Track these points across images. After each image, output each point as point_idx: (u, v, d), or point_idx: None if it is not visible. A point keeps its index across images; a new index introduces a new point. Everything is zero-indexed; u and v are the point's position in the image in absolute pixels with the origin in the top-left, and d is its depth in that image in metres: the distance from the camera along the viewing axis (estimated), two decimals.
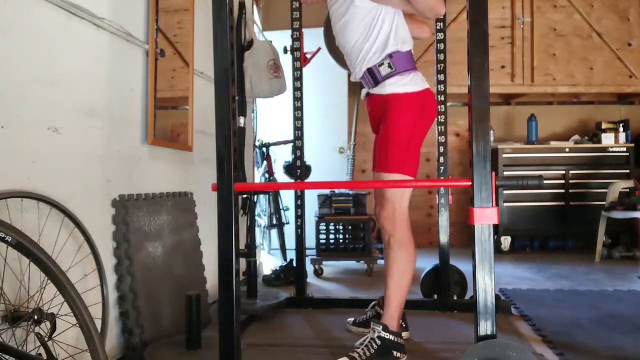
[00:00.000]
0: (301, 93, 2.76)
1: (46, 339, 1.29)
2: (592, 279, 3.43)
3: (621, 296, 2.90)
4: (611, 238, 4.37)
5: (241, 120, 2.39)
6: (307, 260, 3.29)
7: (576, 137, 4.92)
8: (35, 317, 1.30)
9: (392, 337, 1.88)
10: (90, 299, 1.52)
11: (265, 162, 4.35)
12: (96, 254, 1.69)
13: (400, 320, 2.17)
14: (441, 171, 2.66)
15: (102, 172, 1.84)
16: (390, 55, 1.93)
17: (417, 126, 1.95)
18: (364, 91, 2.09)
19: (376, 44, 1.95)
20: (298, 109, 2.76)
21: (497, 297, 2.45)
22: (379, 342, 1.86)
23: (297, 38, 2.73)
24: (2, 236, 1.11)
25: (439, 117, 2.65)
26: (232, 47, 1.52)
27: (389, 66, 1.93)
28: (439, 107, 2.65)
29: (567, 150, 4.67)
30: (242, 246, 2.58)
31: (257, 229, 3.63)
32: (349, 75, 2.19)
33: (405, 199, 1.98)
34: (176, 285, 2.14)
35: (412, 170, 1.96)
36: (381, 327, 1.88)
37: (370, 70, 1.97)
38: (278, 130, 4.28)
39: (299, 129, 2.77)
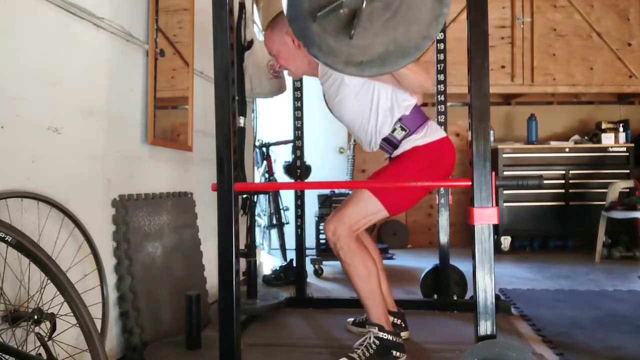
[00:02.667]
0: (301, 93, 2.77)
1: (46, 339, 1.29)
2: (592, 279, 3.43)
3: (621, 296, 2.90)
4: (611, 238, 4.37)
5: (241, 120, 2.39)
6: (307, 260, 3.29)
7: (576, 137, 4.92)
8: (35, 317, 1.30)
9: (390, 337, 1.87)
10: (90, 299, 1.52)
11: (265, 162, 4.35)
12: (96, 254, 1.69)
13: (398, 320, 2.18)
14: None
15: (102, 172, 1.84)
16: (400, 119, 1.96)
17: (424, 172, 1.93)
18: (385, 155, 2.11)
19: (380, 118, 1.96)
20: (298, 109, 2.76)
21: (497, 297, 2.45)
22: (377, 342, 1.86)
23: None
24: (2, 236, 1.11)
25: (439, 117, 2.65)
26: (232, 47, 1.52)
27: (402, 129, 1.97)
28: (439, 107, 2.65)
29: (567, 150, 4.67)
30: (242, 246, 2.58)
31: (257, 229, 3.63)
32: None
33: (361, 222, 1.94)
34: (176, 285, 2.14)
35: (390, 202, 1.92)
36: (377, 327, 1.88)
37: (386, 139, 1.99)
38: (278, 130, 4.28)
39: (299, 129, 2.77)
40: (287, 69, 2.10)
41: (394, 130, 1.97)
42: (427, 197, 2.17)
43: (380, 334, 1.87)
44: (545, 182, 1.72)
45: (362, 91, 1.95)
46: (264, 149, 4.32)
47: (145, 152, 2.15)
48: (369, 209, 1.92)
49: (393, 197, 1.93)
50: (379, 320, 1.89)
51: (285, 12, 1.39)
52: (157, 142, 2.18)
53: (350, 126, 2.08)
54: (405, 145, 1.97)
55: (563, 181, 4.63)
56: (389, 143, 2.00)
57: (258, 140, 4.13)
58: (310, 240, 3.38)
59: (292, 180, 3.40)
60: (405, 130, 1.96)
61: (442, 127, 2.64)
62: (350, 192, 3.89)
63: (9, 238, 1.12)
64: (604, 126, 4.81)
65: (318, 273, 3.70)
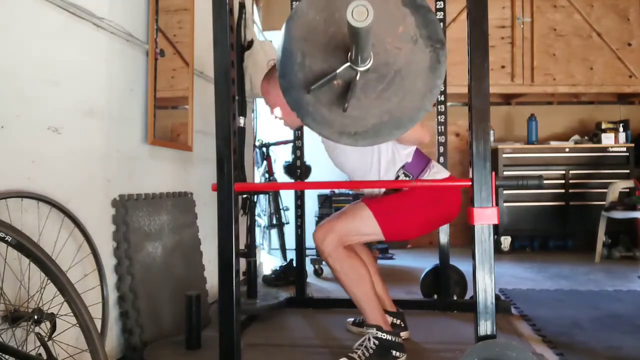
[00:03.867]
0: None
1: (46, 339, 1.29)
2: (592, 279, 3.43)
3: (621, 296, 2.90)
4: (611, 238, 4.37)
5: (241, 120, 2.39)
6: (307, 260, 3.29)
7: (576, 137, 4.92)
8: (35, 317, 1.30)
9: (389, 337, 1.87)
10: (90, 299, 1.52)
11: (265, 162, 4.35)
12: (96, 254, 1.69)
13: (398, 320, 2.18)
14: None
15: (102, 172, 1.84)
16: (402, 167, 1.97)
17: (428, 208, 1.93)
18: None
19: (383, 169, 1.97)
20: None
21: (497, 297, 2.46)
22: (376, 342, 1.86)
23: None
24: (2, 236, 1.11)
25: (439, 117, 2.64)
26: (232, 47, 1.52)
27: (405, 175, 1.98)
28: (439, 107, 2.65)
29: (567, 150, 4.67)
30: (242, 246, 2.58)
31: (257, 229, 3.63)
32: None
33: (353, 239, 1.93)
34: (176, 285, 2.14)
35: (389, 227, 1.91)
36: (375, 328, 1.88)
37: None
38: (278, 130, 4.27)
39: (299, 129, 2.77)
40: (283, 120, 2.11)
41: (397, 177, 1.98)
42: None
43: (379, 334, 1.87)
44: (545, 182, 1.72)
45: (362, 148, 1.96)
46: (264, 149, 4.32)
47: (145, 152, 2.15)
48: (364, 228, 1.92)
49: (393, 223, 1.92)
50: (377, 321, 1.89)
51: (280, 80, 1.39)
52: (157, 142, 2.18)
53: (351, 176, 2.09)
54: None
55: (563, 181, 4.63)
56: (393, 190, 2.00)
57: (258, 140, 4.13)
58: (310, 240, 3.37)
59: (292, 180, 3.41)
60: (409, 177, 1.98)
61: (442, 127, 2.65)
62: (350, 192, 3.91)
63: (9, 238, 1.12)
64: (604, 126, 4.81)
65: (318, 273, 3.70)
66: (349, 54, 1.28)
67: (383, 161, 1.97)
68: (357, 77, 1.30)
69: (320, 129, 1.39)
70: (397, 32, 1.35)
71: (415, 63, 1.34)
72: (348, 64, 1.30)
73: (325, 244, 1.88)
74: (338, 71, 1.31)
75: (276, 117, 2.09)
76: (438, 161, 2.66)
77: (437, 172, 2.01)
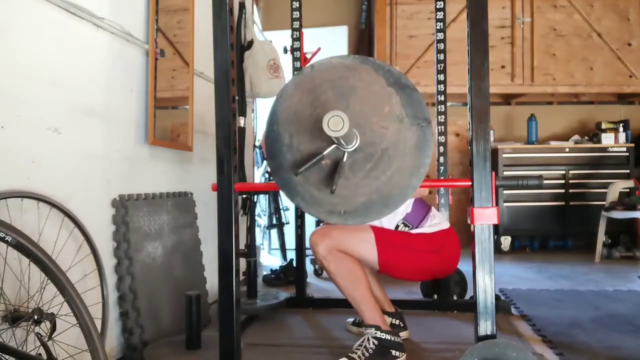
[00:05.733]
0: None
1: (46, 339, 1.29)
2: (592, 279, 3.43)
3: (621, 296, 2.90)
4: (611, 238, 4.37)
5: (241, 120, 2.39)
6: (307, 260, 3.29)
7: (576, 137, 4.92)
8: (35, 317, 1.30)
9: (388, 337, 1.87)
10: (90, 299, 1.52)
11: (265, 162, 4.35)
12: (96, 254, 1.69)
13: (397, 320, 2.18)
14: (441, 171, 2.66)
15: (102, 172, 1.84)
16: (402, 218, 1.98)
17: (428, 255, 1.93)
18: None
19: (384, 221, 1.97)
20: None
21: (497, 297, 2.46)
22: (376, 342, 1.86)
23: (297, 38, 2.73)
24: (2, 236, 1.11)
25: (439, 117, 2.65)
26: (232, 47, 1.52)
27: (405, 225, 1.98)
28: (439, 107, 2.65)
29: (567, 150, 4.67)
30: (242, 246, 2.58)
31: (257, 229, 3.63)
32: None
33: (349, 251, 1.91)
34: (176, 285, 2.14)
35: (386, 258, 1.90)
36: (374, 328, 1.88)
37: None
38: None
39: None
40: None
41: (396, 227, 1.98)
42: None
43: (379, 334, 1.87)
44: (545, 182, 1.73)
45: None
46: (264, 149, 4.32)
47: (145, 152, 2.15)
48: (362, 249, 1.91)
49: (391, 256, 1.92)
50: (375, 321, 1.89)
51: (268, 161, 1.41)
52: (157, 142, 2.18)
53: None
54: None
55: (563, 181, 4.63)
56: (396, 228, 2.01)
57: (258, 140, 4.13)
58: None
59: None
60: (408, 226, 1.98)
61: (442, 127, 2.65)
62: None
63: (9, 238, 1.12)
64: (604, 126, 4.81)
65: (318, 273, 3.69)
66: None
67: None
68: (345, 158, 1.31)
69: (309, 209, 1.40)
70: (383, 112, 1.36)
71: (402, 142, 1.36)
72: (335, 145, 1.31)
73: (320, 247, 1.88)
74: (325, 153, 1.32)
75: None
76: (438, 161, 2.66)
77: (437, 224, 2.01)
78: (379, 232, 1.93)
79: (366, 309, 1.90)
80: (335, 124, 1.16)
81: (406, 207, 1.99)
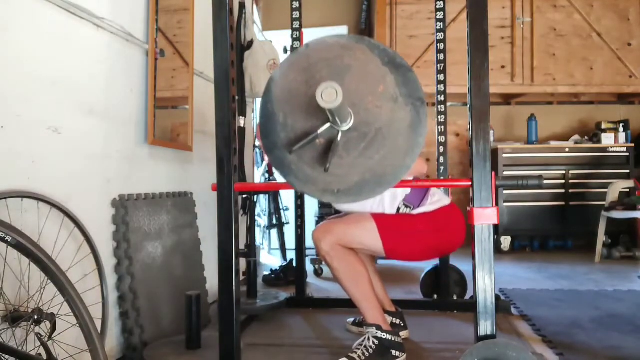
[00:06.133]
0: None
1: (46, 339, 1.29)
2: (592, 279, 3.43)
3: (621, 296, 2.90)
4: (611, 238, 4.37)
5: (241, 120, 2.39)
6: (307, 260, 3.29)
7: (576, 137, 4.92)
8: (35, 317, 1.30)
9: (388, 337, 1.87)
10: (90, 299, 1.52)
11: (265, 162, 4.35)
12: (96, 254, 1.69)
13: (397, 320, 2.18)
14: (441, 171, 2.66)
15: (102, 172, 1.84)
16: (403, 200, 1.97)
17: (432, 234, 1.92)
18: None
19: (387, 205, 1.97)
20: None
21: (497, 297, 2.46)
22: (376, 342, 1.86)
23: (297, 38, 2.73)
24: (2, 236, 1.11)
25: (439, 117, 2.64)
26: (232, 47, 1.52)
27: (406, 206, 1.98)
28: (439, 107, 2.65)
29: (567, 150, 4.67)
30: (242, 246, 2.58)
31: (257, 229, 3.63)
32: None
33: (352, 245, 1.91)
34: (176, 285, 2.14)
35: (391, 244, 1.90)
36: (374, 327, 1.88)
37: None
38: None
39: None
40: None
41: (398, 209, 1.98)
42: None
43: (379, 334, 1.87)
44: (545, 182, 1.73)
45: None
46: None
47: (145, 152, 2.15)
48: (365, 239, 1.91)
49: (396, 241, 1.91)
50: (376, 321, 1.89)
51: (262, 141, 1.40)
52: (157, 142, 2.18)
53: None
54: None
55: (563, 181, 4.63)
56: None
57: (258, 140, 4.13)
58: (310, 240, 3.37)
59: None
60: (410, 207, 1.98)
61: (442, 127, 2.65)
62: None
63: (9, 238, 1.12)
64: (604, 126, 4.81)
65: (318, 273, 3.70)
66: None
67: (388, 193, 1.96)
68: (339, 137, 1.31)
69: (303, 188, 1.40)
70: (377, 91, 1.36)
71: (396, 121, 1.36)
72: (329, 124, 1.31)
73: (323, 243, 1.88)
74: (319, 131, 1.32)
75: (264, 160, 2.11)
76: (438, 161, 2.66)
77: (438, 201, 2.00)
78: (380, 219, 1.93)
79: (368, 308, 1.90)
80: (328, 95, 1.15)
81: (404, 188, 1.98)
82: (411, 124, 1.35)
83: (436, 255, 2.08)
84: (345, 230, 1.90)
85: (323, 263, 3.72)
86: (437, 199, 2.01)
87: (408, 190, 1.98)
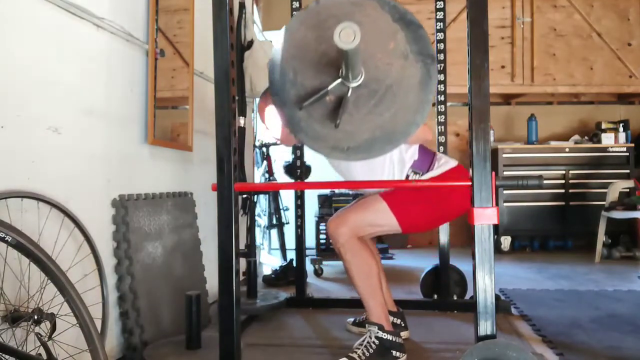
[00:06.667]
0: None
1: (46, 339, 1.29)
2: (592, 279, 3.43)
3: (621, 296, 2.90)
4: (611, 238, 4.37)
5: (241, 120, 2.39)
6: (307, 260, 3.29)
7: (576, 137, 4.92)
8: (35, 317, 1.30)
9: (389, 337, 1.87)
10: (90, 299, 1.52)
11: (265, 162, 4.35)
12: (96, 254, 1.69)
13: (398, 320, 2.18)
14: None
15: (102, 172, 1.84)
16: (410, 167, 1.98)
17: (444, 202, 1.92)
18: None
19: (396, 173, 1.97)
20: None
21: (497, 297, 2.46)
22: (377, 342, 1.86)
23: None
24: (2, 236, 1.11)
25: (439, 117, 2.64)
26: (232, 47, 1.52)
27: (415, 172, 1.98)
28: (439, 107, 2.65)
29: (567, 150, 4.67)
30: (242, 246, 2.58)
31: (257, 229, 3.63)
32: None
33: (367, 230, 1.93)
34: (176, 285, 2.14)
35: (406, 218, 1.91)
36: (376, 327, 1.88)
37: None
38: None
39: (298, 147, 2.78)
40: (278, 140, 2.13)
41: (407, 177, 1.98)
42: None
43: (381, 334, 1.87)
44: (545, 182, 1.73)
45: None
46: (264, 149, 4.32)
47: (145, 152, 2.15)
48: (379, 219, 1.92)
49: (409, 215, 1.92)
50: (380, 320, 1.89)
51: (272, 98, 1.40)
52: (157, 142, 2.18)
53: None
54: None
55: (563, 181, 4.63)
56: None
57: (258, 140, 4.13)
58: (310, 240, 3.38)
59: (292, 180, 3.40)
60: (418, 173, 1.98)
61: (442, 127, 2.65)
62: (350, 192, 3.91)
63: (9, 238, 1.12)
64: (604, 126, 4.81)
65: (318, 273, 3.69)
66: (340, 70, 1.29)
67: (395, 161, 1.97)
68: (349, 93, 1.31)
69: (313, 145, 1.39)
70: (388, 48, 1.36)
71: (407, 78, 1.35)
72: (340, 80, 1.31)
73: (338, 234, 1.89)
74: (330, 87, 1.32)
75: (272, 136, 2.11)
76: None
77: (445, 164, 2.00)
78: (389, 197, 1.93)
79: (373, 306, 1.90)
80: (346, 35, 1.14)
81: (412, 155, 1.98)
82: (421, 80, 1.34)
83: (453, 218, 2.06)
84: (359, 216, 1.91)
85: (323, 263, 3.74)
86: (444, 162, 2.02)
87: (416, 157, 1.98)
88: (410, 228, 1.96)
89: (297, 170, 2.80)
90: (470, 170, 1.41)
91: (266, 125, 2.14)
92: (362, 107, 1.35)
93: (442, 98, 2.64)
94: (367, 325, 1.92)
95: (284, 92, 1.39)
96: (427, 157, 2.02)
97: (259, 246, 4.27)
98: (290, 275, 3.32)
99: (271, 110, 2.06)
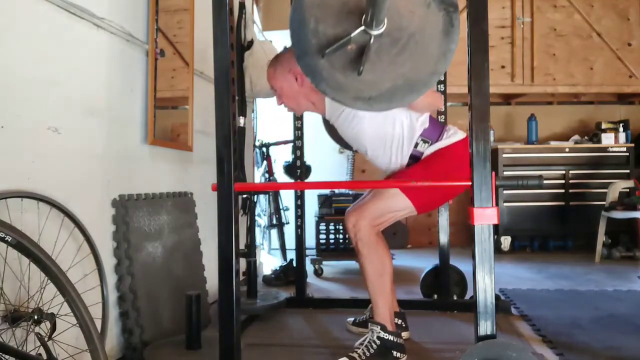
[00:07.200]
0: None
1: (46, 339, 1.29)
2: (592, 279, 3.43)
3: (621, 296, 2.90)
4: (611, 238, 4.37)
5: (241, 120, 2.39)
6: (307, 260, 3.29)
7: (576, 137, 4.92)
8: (35, 317, 1.30)
9: (391, 337, 1.87)
10: (90, 299, 1.52)
11: (265, 162, 4.34)
12: (96, 254, 1.69)
13: (399, 320, 2.18)
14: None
15: (102, 172, 1.84)
16: (420, 134, 1.97)
17: (453, 174, 1.91)
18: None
19: (406, 141, 1.97)
20: None
21: (497, 297, 2.45)
22: (378, 342, 1.86)
23: None
24: (2, 236, 1.11)
25: (439, 117, 2.64)
26: (232, 47, 1.52)
27: (424, 141, 1.97)
28: None
29: (567, 150, 4.67)
30: (242, 246, 2.58)
31: (257, 229, 3.63)
32: None
33: (385, 218, 1.93)
34: (176, 285, 2.14)
35: (419, 200, 1.92)
36: (379, 327, 1.88)
37: (411, 156, 1.99)
38: (278, 130, 4.28)
39: (299, 129, 2.77)
40: (288, 106, 2.11)
41: (416, 145, 1.97)
42: None
43: (382, 334, 1.87)
44: (545, 182, 1.72)
45: (378, 119, 1.95)
46: (264, 149, 4.32)
47: (145, 152, 2.15)
48: (394, 205, 1.92)
49: (423, 196, 1.93)
50: (384, 320, 1.89)
51: (293, 48, 1.39)
52: (157, 142, 2.18)
53: (372, 155, 2.06)
54: (427, 152, 1.98)
55: (563, 181, 4.63)
56: (413, 158, 2.00)
57: (258, 140, 4.13)
58: (310, 240, 3.38)
59: (292, 180, 3.40)
60: (428, 142, 1.97)
61: None
62: (350, 192, 3.91)
63: (9, 238, 1.12)
64: (604, 126, 4.81)
65: (318, 273, 3.70)
66: (363, 17, 1.28)
67: (405, 130, 1.96)
68: (371, 41, 1.30)
69: (334, 94, 1.38)
70: None
71: (429, 27, 1.35)
72: (362, 27, 1.30)
73: (358, 227, 1.89)
74: (352, 34, 1.30)
75: (282, 103, 2.09)
76: None
77: (454, 134, 2.00)
78: (400, 182, 1.94)
79: (380, 304, 1.91)
80: None
81: (423, 123, 1.97)
82: (444, 29, 1.34)
83: (463, 189, 2.06)
84: (376, 206, 1.91)
85: (323, 263, 3.74)
86: (452, 133, 2.01)
87: (427, 125, 1.98)
88: (424, 207, 1.97)
89: (297, 170, 2.80)
90: (470, 170, 1.41)
91: (276, 91, 2.09)
92: (384, 56, 1.34)
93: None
94: (369, 324, 1.92)
95: (305, 41, 1.37)
96: (437, 126, 2.01)
97: (259, 246, 4.27)
98: (290, 275, 3.32)
99: (281, 76, 2.03)
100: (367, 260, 1.90)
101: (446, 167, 1.92)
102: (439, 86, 2.64)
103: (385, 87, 1.36)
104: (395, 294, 2.24)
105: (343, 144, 2.39)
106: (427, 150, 1.98)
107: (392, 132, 1.96)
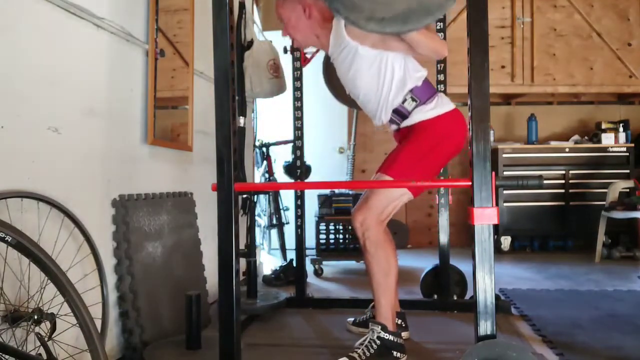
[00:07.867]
0: (301, 93, 2.76)
1: (46, 339, 1.29)
2: (592, 279, 3.43)
3: (621, 296, 2.90)
4: (611, 238, 4.37)
5: (241, 120, 2.39)
6: (307, 260, 3.29)
7: (576, 137, 4.92)
8: (35, 317, 1.30)
9: (391, 337, 1.87)
10: (90, 299, 1.52)
11: (265, 162, 4.35)
12: (96, 254, 1.69)
13: (399, 320, 2.18)
14: (441, 171, 2.65)
15: (102, 172, 1.84)
16: (410, 91, 1.94)
17: (439, 147, 1.92)
18: (392, 127, 2.07)
19: (393, 89, 1.94)
20: (298, 109, 2.76)
21: (497, 297, 2.45)
22: (378, 342, 1.86)
23: None
24: (2, 236, 1.11)
25: (439, 86, 2.63)
26: (232, 47, 1.52)
27: (413, 99, 1.94)
28: None
29: (567, 150, 4.67)
30: (242, 246, 2.58)
31: (257, 229, 3.63)
32: None
33: (389, 209, 1.94)
34: (176, 285, 2.14)
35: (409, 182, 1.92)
36: (380, 327, 1.88)
37: (396, 110, 1.97)
38: (278, 130, 4.28)
39: (299, 129, 2.77)
40: (294, 38, 2.09)
41: (404, 100, 1.94)
42: (427, 197, 2.17)
43: (383, 334, 1.87)
44: (545, 182, 1.73)
45: (376, 62, 1.91)
46: (264, 149, 4.32)
47: (145, 152, 2.15)
48: (392, 192, 1.92)
49: (412, 176, 1.92)
50: (385, 320, 1.90)
51: None
52: (157, 142, 2.17)
53: (363, 101, 2.04)
54: (415, 117, 1.95)
55: (563, 181, 4.63)
56: (399, 114, 1.97)
57: (258, 140, 4.13)
58: (310, 240, 3.38)
59: (292, 180, 3.40)
60: (416, 101, 1.94)
61: None
62: (350, 192, 3.91)
63: (9, 238, 1.12)
64: (604, 126, 4.81)
65: (318, 273, 3.70)
66: None
67: (395, 81, 1.92)
68: None
69: (348, 14, 1.37)
70: None
71: None
72: None
73: (366, 226, 1.89)
74: None
75: (287, 34, 2.07)
76: None
77: (443, 104, 1.97)
78: (392, 170, 1.93)
79: (383, 304, 1.91)
80: None
81: (416, 80, 1.94)
82: None
83: (453, 156, 2.05)
84: (378, 199, 1.91)
85: (323, 263, 3.74)
86: (445, 102, 1.99)
87: (419, 83, 1.94)
88: (419, 189, 1.98)
89: (297, 170, 2.80)
90: (470, 170, 1.41)
91: (283, 22, 2.07)
92: None
93: None
94: (370, 323, 1.92)
95: None
96: (429, 89, 1.98)
97: (259, 246, 4.27)
98: (290, 275, 3.32)
99: (290, 5, 2.02)
100: (374, 259, 1.90)
101: (431, 142, 1.92)
102: (439, 86, 2.64)
103: (400, 8, 1.35)
104: (397, 294, 2.24)
105: (339, 92, 2.36)
106: (414, 111, 1.94)
107: (384, 78, 1.93)
